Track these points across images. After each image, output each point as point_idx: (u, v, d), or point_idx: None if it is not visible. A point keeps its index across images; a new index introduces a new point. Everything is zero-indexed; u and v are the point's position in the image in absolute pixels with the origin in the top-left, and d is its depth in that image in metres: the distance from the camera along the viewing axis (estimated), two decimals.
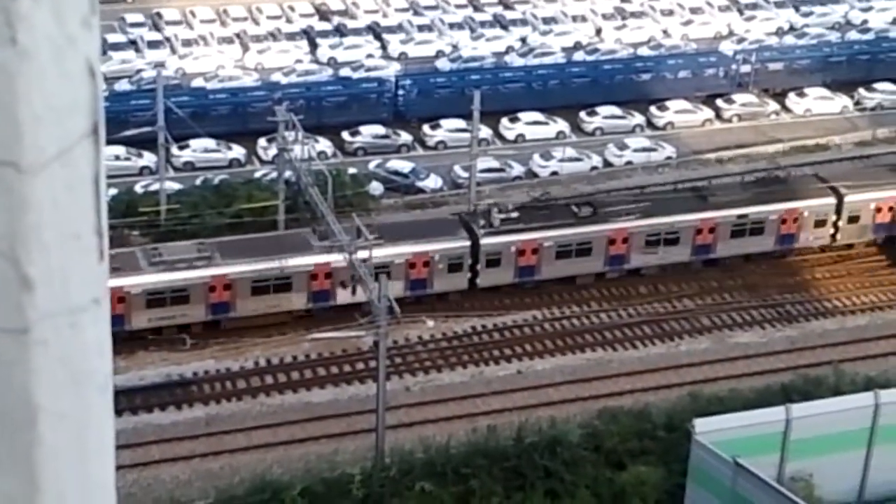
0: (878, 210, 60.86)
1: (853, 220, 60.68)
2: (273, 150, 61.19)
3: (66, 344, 2.62)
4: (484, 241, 56.22)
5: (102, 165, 2.64)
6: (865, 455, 43.12)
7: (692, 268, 59.52)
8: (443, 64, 77.27)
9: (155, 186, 60.00)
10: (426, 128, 69.55)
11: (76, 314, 2.62)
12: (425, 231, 56.33)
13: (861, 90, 76.26)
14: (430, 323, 52.92)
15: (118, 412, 44.22)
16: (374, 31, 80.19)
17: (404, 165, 65.92)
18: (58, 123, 2.51)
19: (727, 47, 79.88)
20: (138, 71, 72.76)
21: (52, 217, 2.53)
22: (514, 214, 57.20)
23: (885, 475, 42.92)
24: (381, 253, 52.70)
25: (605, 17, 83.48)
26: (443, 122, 69.37)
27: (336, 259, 52.30)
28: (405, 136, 68.84)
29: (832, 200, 60.41)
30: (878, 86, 76.70)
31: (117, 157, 61.64)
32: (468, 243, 56.03)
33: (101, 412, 2.74)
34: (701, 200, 59.43)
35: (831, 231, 60.75)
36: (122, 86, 70.73)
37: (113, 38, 74.97)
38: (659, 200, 59.16)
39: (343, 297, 53.82)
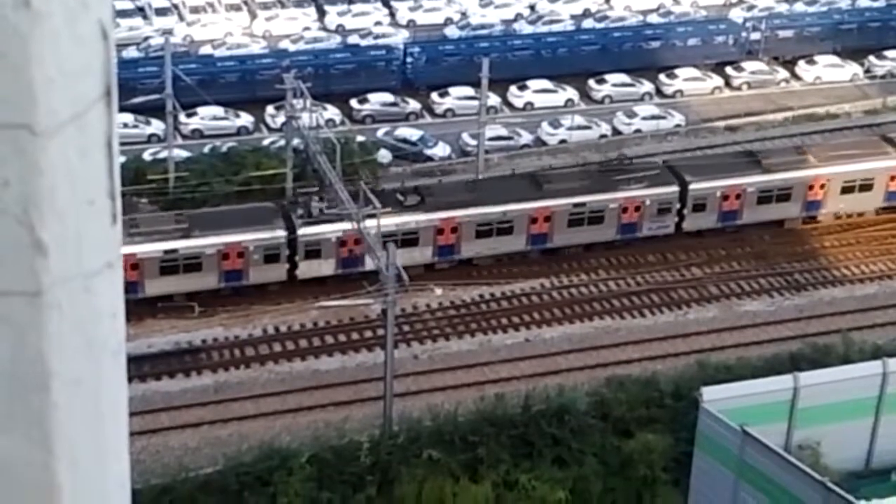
0: (725, 198, 59.25)
1: (698, 208, 59.11)
2: (281, 118, 61.12)
3: (80, 308, 2.61)
4: (301, 231, 54.11)
5: (115, 129, 2.64)
6: (873, 423, 43.18)
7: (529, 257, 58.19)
8: (451, 31, 77.02)
9: (163, 154, 59.99)
10: (434, 95, 69.40)
11: (90, 278, 2.62)
12: (240, 221, 54.44)
13: (871, 58, 75.90)
14: (438, 291, 52.94)
15: (127, 380, 44.41)
16: None
17: (413, 133, 65.81)
18: (71, 86, 2.50)
19: (737, 14, 79.52)
20: (146, 38, 72.65)
21: (65, 181, 2.52)
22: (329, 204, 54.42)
23: (893, 444, 42.99)
24: (193, 244, 52.63)
25: None
26: (451, 89, 69.19)
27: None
28: (413, 104, 68.71)
29: (675, 188, 58.67)
30: (888, 53, 76.34)
31: (125, 125, 61.60)
32: (284, 234, 53.97)
33: (114, 376, 2.74)
34: (537, 188, 57.35)
35: (675, 219, 58.89)
36: (130, 53, 70.61)
37: (121, 4, 74.76)
38: (491, 189, 57.32)
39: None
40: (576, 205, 57.19)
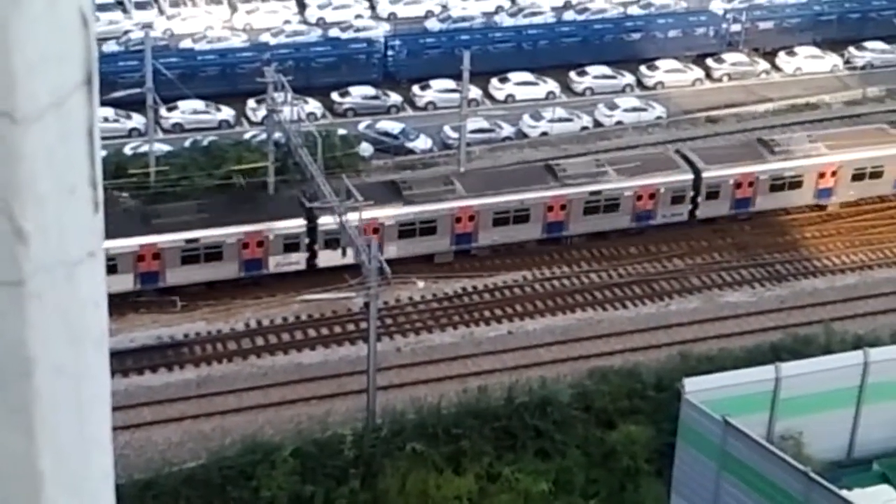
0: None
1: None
2: (262, 112, 60.97)
3: (62, 297, 2.60)
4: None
5: (96, 116, 2.62)
6: (854, 413, 43.31)
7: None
8: (432, 24, 76.95)
9: (144, 148, 59.79)
10: (416, 88, 69.34)
11: (71, 267, 2.60)
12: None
13: (851, 49, 76.13)
14: (421, 284, 52.91)
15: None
16: None
17: (394, 126, 65.75)
18: (52, 73, 2.48)
19: (717, 6, 79.64)
20: (126, 32, 72.38)
21: (46, 168, 2.51)
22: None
23: (874, 433, 43.12)
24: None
25: None
26: (432, 82, 69.15)
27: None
28: (395, 97, 68.64)
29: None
30: (868, 44, 76.58)
31: (106, 119, 61.36)
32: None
33: (97, 365, 2.73)
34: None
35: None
36: (111, 47, 70.36)
37: None
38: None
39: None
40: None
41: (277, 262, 54.04)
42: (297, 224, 54.19)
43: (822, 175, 60.77)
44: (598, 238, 58.56)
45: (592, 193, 57.74)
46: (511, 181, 57.52)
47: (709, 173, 59.26)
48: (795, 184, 60.35)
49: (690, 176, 59.16)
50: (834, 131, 64.77)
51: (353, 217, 49.54)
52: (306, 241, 54.38)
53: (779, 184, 60.20)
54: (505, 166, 61.31)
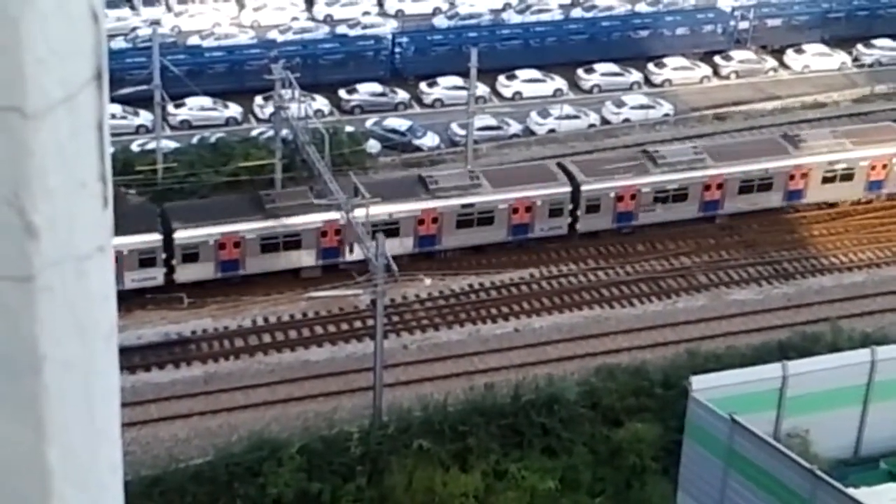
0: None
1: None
2: (270, 109, 61.01)
3: (72, 292, 2.60)
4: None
5: (106, 111, 2.63)
6: (861, 411, 43.25)
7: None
8: (440, 21, 76.95)
9: (151, 145, 59.87)
10: (423, 85, 69.34)
11: (81, 262, 2.61)
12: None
13: (860, 46, 76.03)
14: (428, 281, 52.92)
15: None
16: None
17: (401, 123, 65.76)
18: (62, 68, 2.49)
19: (725, 3, 79.54)
20: (134, 29, 72.47)
21: (56, 163, 2.51)
22: None
23: (881, 431, 43.07)
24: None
25: None
26: (440, 79, 69.14)
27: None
28: (402, 94, 68.65)
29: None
30: (876, 42, 76.47)
31: (113, 116, 61.40)
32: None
33: (106, 360, 2.74)
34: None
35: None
36: (118, 44, 70.42)
37: None
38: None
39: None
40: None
41: (133, 279, 52.10)
42: (151, 239, 52.46)
43: (707, 188, 59.08)
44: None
45: (464, 206, 55.91)
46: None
47: (588, 186, 57.29)
48: (680, 196, 58.71)
49: (568, 189, 57.11)
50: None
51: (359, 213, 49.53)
52: (163, 255, 52.78)
53: (662, 196, 58.38)
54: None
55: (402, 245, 54.50)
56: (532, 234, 57.18)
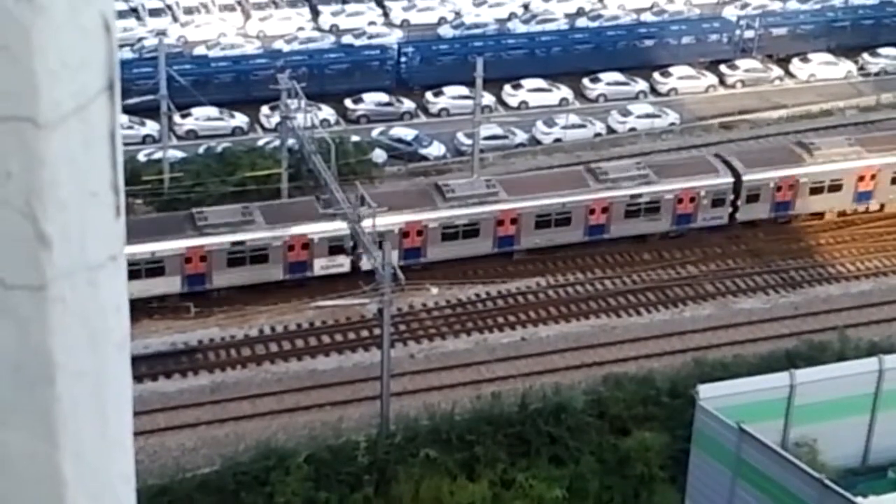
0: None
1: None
2: (276, 118, 61.10)
3: (84, 301, 2.61)
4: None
5: (118, 121, 2.63)
6: (869, 420, 43.18)
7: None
8: (445, 31, 77.03)
9: (158, 155, 59.97)
10: (429, 95, 69.38)
11: (94, 271, 2.61)
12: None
13: (865, 55, 76.01)
14: (434, 290, 52.93)
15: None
16: None
17: (407, 133, 65.81)
18: (74, 79, 2.49)
19: (731, 13, 79.59)
20: (140, 39, 72.58)
21: (69, 173, 2.52)
22: None
23: (889, 440, 42.99)
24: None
25: None
26: (445, 89, 69.20)
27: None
28: (408, 104, 68.70)
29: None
30: (882, 51, 76.44)
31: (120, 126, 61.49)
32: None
33: (118, 370, 2.74)
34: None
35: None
36: (125, 54, 70.49)
37: (115, 5, 74.62)
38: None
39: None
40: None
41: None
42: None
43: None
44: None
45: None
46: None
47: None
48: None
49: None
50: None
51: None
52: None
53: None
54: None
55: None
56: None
